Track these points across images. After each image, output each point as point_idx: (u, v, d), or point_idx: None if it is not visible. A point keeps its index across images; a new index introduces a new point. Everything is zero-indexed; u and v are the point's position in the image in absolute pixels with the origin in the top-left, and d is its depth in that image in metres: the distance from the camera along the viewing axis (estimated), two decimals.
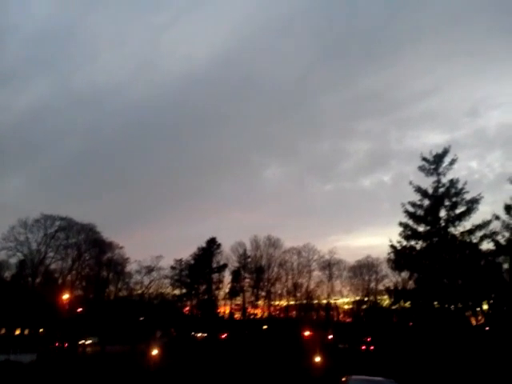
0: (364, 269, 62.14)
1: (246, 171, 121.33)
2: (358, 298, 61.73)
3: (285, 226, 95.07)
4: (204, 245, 67.72)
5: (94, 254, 63.07)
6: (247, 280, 67.83)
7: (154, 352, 35.24)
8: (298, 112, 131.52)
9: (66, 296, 44.61)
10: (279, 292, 67.32)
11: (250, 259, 67.90)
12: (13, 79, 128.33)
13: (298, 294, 65.59)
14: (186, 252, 69.96)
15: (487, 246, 34.04)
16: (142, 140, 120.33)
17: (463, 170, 74.20)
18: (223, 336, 62.79)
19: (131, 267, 65.67)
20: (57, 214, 60.60)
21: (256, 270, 66.95)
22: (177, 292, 67.96)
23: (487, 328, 36.26)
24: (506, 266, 35.01)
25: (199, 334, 63.64)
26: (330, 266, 64.17)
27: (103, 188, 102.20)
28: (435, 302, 34.14)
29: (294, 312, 65.52)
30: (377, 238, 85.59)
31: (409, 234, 36.06)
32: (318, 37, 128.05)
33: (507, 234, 32.80)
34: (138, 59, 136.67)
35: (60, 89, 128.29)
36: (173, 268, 67.16)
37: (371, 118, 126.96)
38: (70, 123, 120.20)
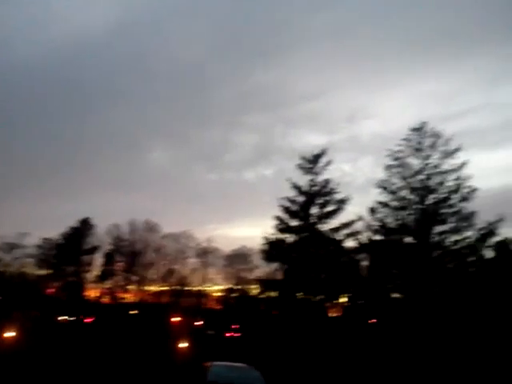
0: (238, 258, 63.91)
1: (131, 152, 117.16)
2: (229, 287, 63.34)
3: (165, 211, 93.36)
4: (76, 224, 64.39)
5: None
6: (120, 264, 65.90)
7: (9, 334, 32.71)
8: (192, 98, 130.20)
9: None
10: (153, 277, 66.48)
11: (125, 242, 66.04)
12: None
13: (172, 280, 65.32)
14: (56, 231, 65.62)
15: (351, 243, 36.95)
16: (19, 105, 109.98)
17: (337, 171, 78.76)
18: (89, 320, 60.43)
19: None
20: None
21: (130, 254, 65.34)
22: (42, 272, 63.87)
23: (344, 319, 39.29)
24: (365, 263, 38.22)
25: (64, 317, 60.50)
26: (205, 253, 64.84)
27: None
28: (300, 293, 36.23)
29: (166, 298, 65.18)
30: (254, 230, 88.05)
31: (282, 227, 37.84)
32: (218, 26, 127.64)
33: (369, 234, 35.81)
34: (28, 17, 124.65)
35: None
36: (39, 247, 62.93)
37: (260, 113, 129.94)
38: None
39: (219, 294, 65.49)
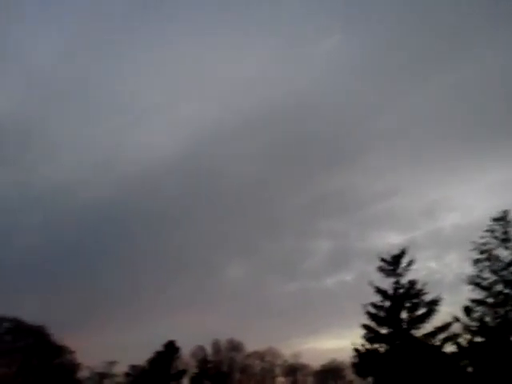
0: (329, 374, 60.05)
1: (205, 270, 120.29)
2: None
3: (247, 327, 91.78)
4: (161, 348, 64.37)
5: (43, 358, 58.89)
6: None
7: None
8: (261, 211, 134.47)
9: None
10: None
11: (210, 364, 64.73)
12: None
13: None
14: (143, 357, 65.83)
15: (450, 348, 33.86)
16: (95, 239, 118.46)
17: (422, 270, 75.32)
18: None
19: (83, 373, 61.44)
20: (4, 315, 57.10)
21: (217, 376, 63.59)
22: None
23: None
24: (469, 369, 34.60)
25: None
26: (294, 371, 61.76)
27: (57, 288, 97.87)
28: None
29: None
30: (342, 341, 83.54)
31: (371, 336, 35.58)
32: (278, 139, 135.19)
33: (468, 336, 32.83)
34: (96, 160, 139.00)
35: (17, 186, 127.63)
36: (127, 375, 63.09)
37: (333, 218, 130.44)
38: (25, 220, 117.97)
39: None
